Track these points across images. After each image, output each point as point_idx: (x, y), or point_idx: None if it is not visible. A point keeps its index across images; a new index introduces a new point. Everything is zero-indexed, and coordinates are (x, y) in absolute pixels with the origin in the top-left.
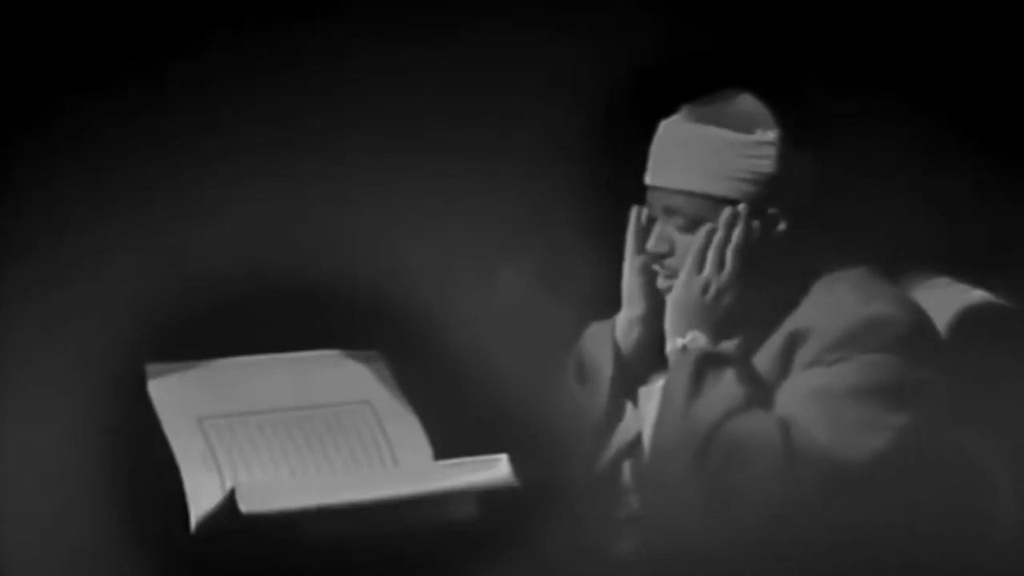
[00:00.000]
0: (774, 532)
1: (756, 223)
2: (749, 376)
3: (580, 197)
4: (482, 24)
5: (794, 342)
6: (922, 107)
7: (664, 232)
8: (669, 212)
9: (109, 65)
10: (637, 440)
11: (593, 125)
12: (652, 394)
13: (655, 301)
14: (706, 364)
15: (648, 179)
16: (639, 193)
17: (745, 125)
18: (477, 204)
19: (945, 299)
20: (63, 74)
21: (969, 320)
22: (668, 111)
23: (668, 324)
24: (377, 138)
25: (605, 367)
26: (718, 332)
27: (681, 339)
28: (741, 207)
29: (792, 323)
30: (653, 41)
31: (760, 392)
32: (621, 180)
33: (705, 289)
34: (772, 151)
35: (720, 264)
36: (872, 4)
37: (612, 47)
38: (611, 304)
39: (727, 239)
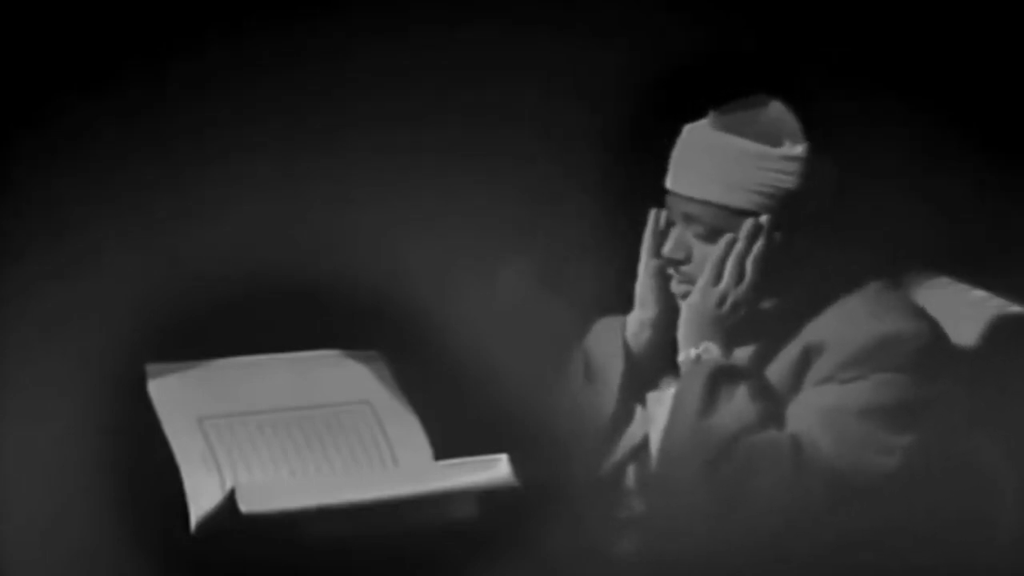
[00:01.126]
0: (778, 539)
1: (778, 235)
2: (762, 391)
3: (581, 197)
4: (482, 23)
5: (808, 356)
6: (922, 107)
7: (682, 238)
8: (688, 219)
9: (109, 65)
10: (644, 443)
11: (594, 125)
12: (662, 400)
13: (668, 305)
14: (719, 377)
15: (668, 184)
16: (640, 193)
17: (773, 137)
18: (478, 204)
19: (949, 301)
20: (63, 74)
21: (984, 329)
22: (671, 111)
23: (681, 333)
24: (378, 138)
25: (613, 367)
26: (731, 343)
27: (695, 349)
28: (764, 219)
29: (806, 336)
30: (656, 41)
31: (773, 407)
32: (623, 180)
33: (722, 301)
34: (798, 166)
35: (739, 276)
36: (872, 4)
37: (613, 47)
38: (612, 304)
39: (747, 251)
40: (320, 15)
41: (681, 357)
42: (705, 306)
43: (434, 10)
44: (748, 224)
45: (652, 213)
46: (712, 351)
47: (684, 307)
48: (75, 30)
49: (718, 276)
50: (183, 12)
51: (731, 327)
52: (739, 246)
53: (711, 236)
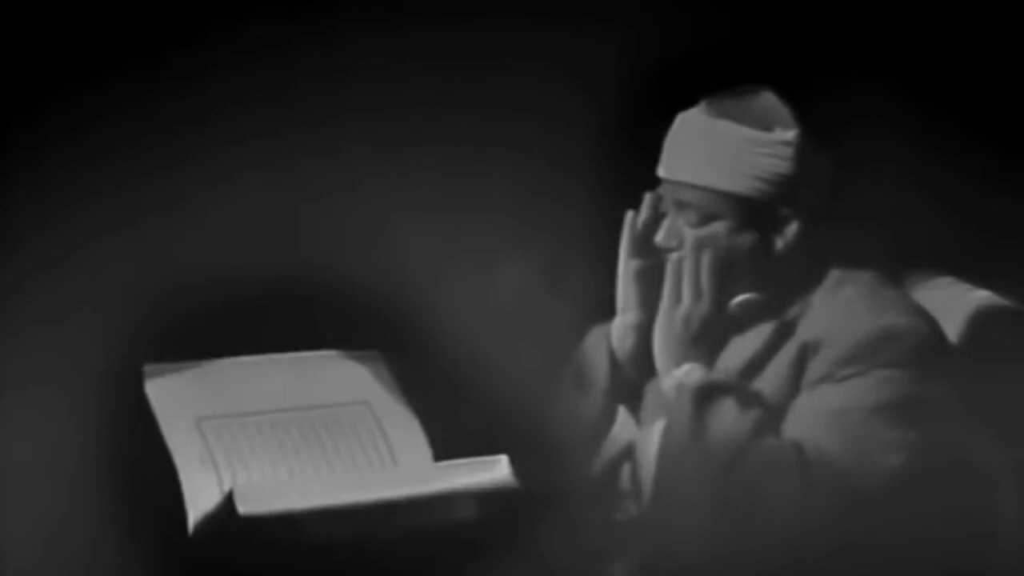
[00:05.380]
0: (786, 546)
1: (744, 238)
2: (752, 399)
3: (581, 192)
4: (481, 16)
5: (804, 354)
6: (926, 102)
7: (674, 226)
8: (681, 206)
9: (103, 58)
10: (631, 446)
11: (595, 119)
12: (651, 438)
13: (650, 308)
14: (706, 398)
15: (661, 171)
16: (640, 188)
17: (764, 123)
18: (479, 203)
19: (948, 300)
20: (56, 67)
21: (979, 324)
22: (676, 106)
23: (658, 360)
24: (381, 136)
25: (600, 376)
26: (713, 353)
27: (677, 371)
28: (717, 226)
29: (802, 333)
30: (657, 36)
31: (766, 413)
32: (623, 175)
33: (687, 322)
34: (790, 151)
35: (697, 293)
36: (880, 1)
37: (618, 41)
38: (612, 303)
39: (698, 264)
40: (315, 8)
41: (664, 385)
42: (672, 331)
43: (431, 2)
44: (691, 237)
45: (628, 215)
46: (694, 373)
47: (656, 331)
48: (69, 22)
49: (677, 297)
50: (178, 3)
51: (711, 344)
52: (688, 261)
53: (704, 223)
